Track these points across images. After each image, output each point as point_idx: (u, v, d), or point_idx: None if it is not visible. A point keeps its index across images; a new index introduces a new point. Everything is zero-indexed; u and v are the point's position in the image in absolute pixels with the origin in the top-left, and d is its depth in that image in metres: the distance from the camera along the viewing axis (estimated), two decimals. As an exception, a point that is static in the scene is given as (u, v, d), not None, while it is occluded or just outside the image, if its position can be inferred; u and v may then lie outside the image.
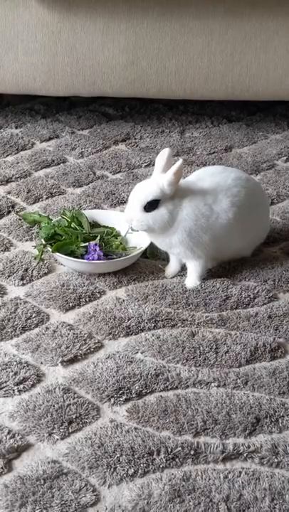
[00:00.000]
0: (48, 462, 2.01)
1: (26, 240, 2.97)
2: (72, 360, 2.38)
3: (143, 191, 2.64)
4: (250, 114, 4.14)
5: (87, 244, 2.80)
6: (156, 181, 2.64)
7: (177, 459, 2.04)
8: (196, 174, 2.83)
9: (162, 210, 2.63)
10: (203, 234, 2.67)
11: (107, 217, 2.97)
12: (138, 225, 2.66)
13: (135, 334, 2.50)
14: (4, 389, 2.25)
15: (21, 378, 2.29)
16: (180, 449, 2.07)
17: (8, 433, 2.10)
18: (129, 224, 2.68)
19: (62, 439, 2.10)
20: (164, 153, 2.68)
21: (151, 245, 2.81)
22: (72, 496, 1.92)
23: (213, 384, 2.30)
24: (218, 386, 2.29)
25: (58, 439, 2.09)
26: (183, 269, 2.79)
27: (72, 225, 2.90)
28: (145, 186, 2.65)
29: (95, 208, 3.18)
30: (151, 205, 2.63)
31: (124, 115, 4.07)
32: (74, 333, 2.48)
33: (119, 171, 3.53)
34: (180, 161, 2.62)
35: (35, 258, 2.84)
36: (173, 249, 2.74)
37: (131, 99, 4.05)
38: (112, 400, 2.23)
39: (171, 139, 3.84)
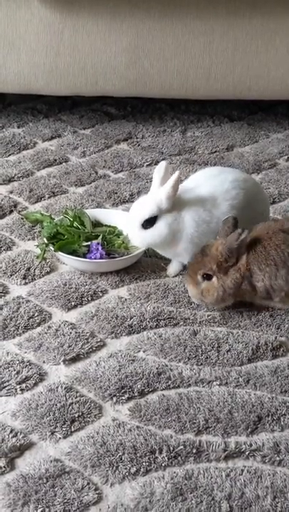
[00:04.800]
0: (50, 461, 2.02)
1: (28, 239, 2.98)
2: (75, 359, 2.39)
3: (140, 209, 2.67)
4: (252, 113, 4.14)
5: (89, 243, 2.80)
6: (154, 197, 2.66)
7: (179, 458, 2.05)
8: (193, 178, 2.83)
9: (160, 225, 2.64)
10: (205, 239, 2.67)
11: (109, 216, 2.97)
12: (138, 243, 2.70)
13: (137, 333, 2.51)
14: (7, 388, 2.26)
15: (24, 377, 2.29)
16: (182, 447, 2.07)
17: (11, 432, 2.10)
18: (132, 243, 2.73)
19: (64, 437, 2.10)
20: (161, 166, 2.69)
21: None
22: (74, 494, 1.93)
23: (215, 382, 2.30)
24: (220, 385, 2.30)
25: (60, 438, 2.10)
26: (185, 268, 2.79)
27: (74, 224, 2.90)
28: (142, 204, 2.68)
29: (97, 207, 3.19)
30: (148, 223, 2.66)
31: (126, 114, 4.07)
32: (76, 332, 2.49)
33: (121, 170, 3.53)
34: (176, 174, 2.63)
35: (37, 257, 2.84)
36: (178, 258, 2.76)
37: (133, 98, 4.05)
38: (115, 399, 2.23)
39: (172, 138, 3.84)
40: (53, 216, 3.03)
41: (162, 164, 2.69)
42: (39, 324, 2.53)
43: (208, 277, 2.55)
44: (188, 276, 2.59)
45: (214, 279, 2.54)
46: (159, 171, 2.69)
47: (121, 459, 2.03)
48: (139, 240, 2.68)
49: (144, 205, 2.66)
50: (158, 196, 2.65)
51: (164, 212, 2.64)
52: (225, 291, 2.55)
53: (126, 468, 2.00)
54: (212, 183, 2.73)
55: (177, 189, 2.65)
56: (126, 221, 2.75)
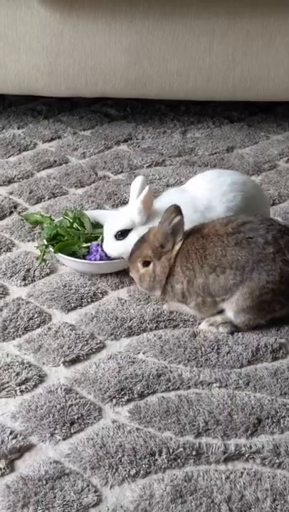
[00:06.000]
0: (50, 463, 2.02)
1: (28, 241, 2.98)
2: (74, 361, 2.38)
3: (114, 222, 2.73)
4: (252, 114, 4.14)
5: (89, 244, 2.80)
6: (129, 210, 2.71)
7: (179, 460, 2.04)
8: (192, 182, 2.84)
9: (132, 237, 2.67)
10: None
11: (109, 217, 2.97)
12: (110, 251, 2.74)
13: (137, 335, 2.51)
14: (6, 389, 2.26)
15: (23, 379, 2.29)
16: (182, 449, 2.07)
17: (11, 433, 2.10)
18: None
19: (64, 439, 2.10)
20: (137, 181, 2.73)
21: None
22: (74, 496, 1.93)
23: (214, 384, 2.30)
24: (219, 387, 2.30)
25: (60, 440, 2.10)
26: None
27: (74, 226, 2.90)
28: (117, 217, 2.74)
29: (97, 208, 3.19)
30: (121, 234, 2.71)
31: (126, 116, 4.07)
32: (76, 334, 2.49)
33: (121, 172, 3.53)
34: (147, 189, 2.67)
35: (37, 258, 2.84)
36: None
37: (133, 99, 4.05)
38: (114, 401, 2.23)
39: (172, 139, 3.84)
40: (52, 217, 3.03)
41: (138, 180, 2.74)
42: (39, 326, 2.52)
43: (146, 264, 2.55)
44: (131, 264, 2.61)
45: (151, 265, 2.55)
46: (135, 186, 2.73)
47: (120, 461, 2.02)
48: (110, 249, 2.73)
49: (120, 218, 2.73)
50: (132, 210, 2.70)
51: (137, 225, 2.69)
52: (155, 278, 2.55)
53: (125, 471, 2.00)
54: (210, 186, 2.75)
55: (149, 203, 2.70)
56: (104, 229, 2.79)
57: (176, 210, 2.51)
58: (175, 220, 2.49)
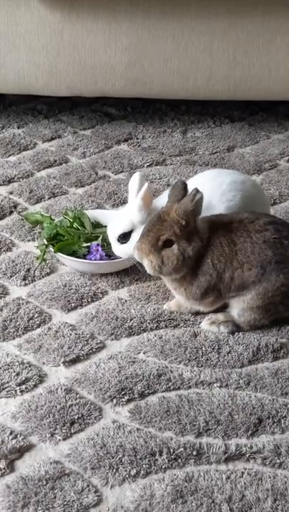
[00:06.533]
0: (50, 463, 2.02)
1: (28, 240, 2.97)
2: (75, 361, 2.38)
3: (115, 226, 2.71)
4: (253, 114, 4.13)
5: (89, 244, 2.80)
6: (128, 211, 2.69)
7: (179, 460, 2.04)
8: (192, 181, 2.83)
9: (136, 238, 2.63)
10: None
11: (110, 217, 2.96)
12: (119, 255, 2.72)
13: (137, 334, 2.50)
14: (6, 389, 2.25)
15: (23, 379, 2.29)
16: (182, 449, 2.06)
17: (11, 433, 2.10)
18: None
19: (64, 439, 2.10)
20: (135, 178, 2.71)
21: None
22: (74, 496, 1.92)
23: (215, 384, 2.30)
24: (220, 386, 2.29)
25: (60, 440, 2.09)
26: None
27: (74, 225, 2.90)
28: (117, 220, 2.71)
29: (97, 208, 3.18)
30: (124, 237, 2.69)
31: (126, 115, 4.07)
32: (76, 334, 2.48)
33: (122, 171, 3.52)
34: (146, 186, 2.66)
35: (37, 258, 2.84)
36: None
37: (133, 99, 4.04)
38: (115, 401, 2.23)
39: (173, 138, 3.83)
40: (53, 217, 3.03)
41: (136, 176, 2.72)
42: (39, 326, 2.52)
43: (169, 243, 2.41)
44: (143, 245, 2.42)
45: (174, 245, 2.41)
46: (133, 183, 2.71)
47: (121, 461, 2.02)
48: (119, 252, 2.72)
49: (119, 220, 2.71)
50: (131, 209, 2.68)
51: (139, 225, 2.67)
52: (184, 259, 2.42)
53: (126, 471, 2.00)
54: (209, 185, 2.74)
55: (149, 200, 2.68)
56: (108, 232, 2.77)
57: (185, 187, 2.46)
58: (197, 197, 2.39)
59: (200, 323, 2.55)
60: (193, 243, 2.43)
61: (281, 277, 2.45)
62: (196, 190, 2.40)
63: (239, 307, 2.50)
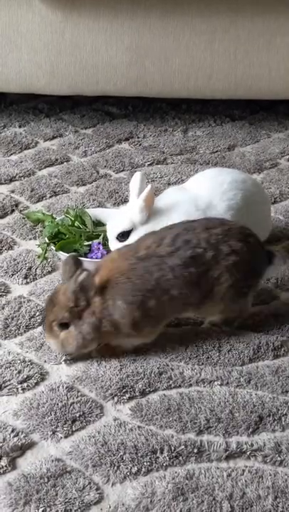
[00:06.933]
0: (51, 460, 2.02)
1: (30, 239, 2.98)
2: (76, 359, 2.38)
3: (115, 224, 2.71)
4: (253, 112, 4.14)
5: (90, 242, 2.80)
6: (129, 210, 2.70)
7: (180, 458, 2.04)
8: (193, 180, 2.84)
9: (134, 237, 2.64)
10: None
11: (111, 215, 2.97)
12: None
13: (138, 333, 2.50)
14: (8, 387, 2.26)
15: (25, 377, 2.29)
16: (183, 447, 2.07)
17: (12, 431, 2.10)
18: None
19: (66, 437, 2.10)
20: (136, 177, 2.71)
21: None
22: (75, 494, 1.93)
23: (216, 382, 2.30)
24: (221, 384, 2.30)
25: (61, 438, 2.10)
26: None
27: (75, 224, 2.90)
28: (117, 218, 2.72)
29: (98, 206, 3.19)
30: (123, 236, 2.69)
31: (128, 114, 4.07)
32: (77, 332, 2.48)
33: (123, 170, 3.53)
34: (149, 187, 2.66)
35: (38, 257, 2.84)
36: None
37: (134, 98, 4.04)
38: (116, 399, 2.23)
39: (174, 137, 3.84)
40: (54, 216, 3.03)
41: (137, 175, 2.72)
42: (40, 324, 2.52)
43: (64, 326, 2.32)
44: (45, 330, 2.35)
45: (71, 327, 2.32)
46: (134, 182, 2.71)
47: (122, 458, 2.02)
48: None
49: (119, 219, 2.71)
50: (133, 209, 2.69)
51: (138, 225, 2.68)
52: (84, 337, 2.32)
53: (127, 468, 2.00)
54: (210, 184, 2.75)
55: (151, 202, 2.68)
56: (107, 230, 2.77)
57: (76, 262, 2.36)
58: (80, 278, 2.29)
59: (201, 321, 2.55)
60: (88, 320, 2.32)
61: (224, 275, 2.40)
62: (81, 271, 2.31)
63: (215, 315, 2.50)
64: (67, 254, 2.73)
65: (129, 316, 2.33)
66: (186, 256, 2.37)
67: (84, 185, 3.39)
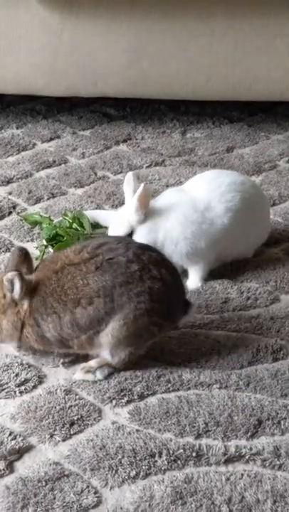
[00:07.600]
0: (49, 464, 2.01)
1: (28, 241, 2.97)
2: (74, 362, 2.38)
3: (114, 229, 2.70)
4: (252, 114, 4.13)
5: (88, 245, 2.79)
6: (125, 212, 2.69)
7: (179, 461, 2.04)
8: (191, 182, 2.84)
9: (136, 238, 2.64)
10: (198, 240, 2.69)
11: (109, 217, 2.96)
12: None
13: (137, 335, 2.50)
14: (6, 390, 2.25)
15: (23, 379, 2.29)
16: (182, 451, 2.06)
17: (10, 434, 2.09)
18: None
19: (63, 440, 2.09)
20: (129, 178, 2.71)
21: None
22: (73, 497, 1.92)
23: (215, 386, 2.29)
24: (220, 388, 2.29)
25: (59, 441, 2.09)
26: (185, 270, 2.78)
27: (73, 226, 2.90)
28: (115, 223, 2.71)
29: (96, 208, 3.18)
30: None
31: (126, 116, 4.07)
32: (75, 335, 2.48)
33: (121, 172, 3.52)
34: (141, 187, 2.65)
35: (36, 259, 2.83)
36: (185, 265, 2.75)
37: (132, 99, 4.04)
38: (114, 402, 2.22)
39: (172, 139, 3.83)
40: (52, 217, 3.03)
41: (129, 176, 2.71)
42: (38, 326, 2.51)
43: None
44: None
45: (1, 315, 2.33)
46: (128, 183, 2.71)
47: (120, 462, 2.02)
48: None
49: (117, 223, 2.70)
50: (129, 211, 2.68)
51: (137, 225, 2.67)
52: (2, 331, 2.33)
53: (125, 472, 1.99)
54: (208, 186, 2.75)
55: (146, 200, 2.67)
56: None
57: (25, 253, 2.36)
58: (9, 276, 2.29)
59: (200, 324, 2.55)
60: (8, 317, 2.31)
61: (134, 297, 2.25)
62: (13, 275, 2.28)
63: (108, 345, 2.28)
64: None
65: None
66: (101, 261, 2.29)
67: (82, 187, 3.39)
